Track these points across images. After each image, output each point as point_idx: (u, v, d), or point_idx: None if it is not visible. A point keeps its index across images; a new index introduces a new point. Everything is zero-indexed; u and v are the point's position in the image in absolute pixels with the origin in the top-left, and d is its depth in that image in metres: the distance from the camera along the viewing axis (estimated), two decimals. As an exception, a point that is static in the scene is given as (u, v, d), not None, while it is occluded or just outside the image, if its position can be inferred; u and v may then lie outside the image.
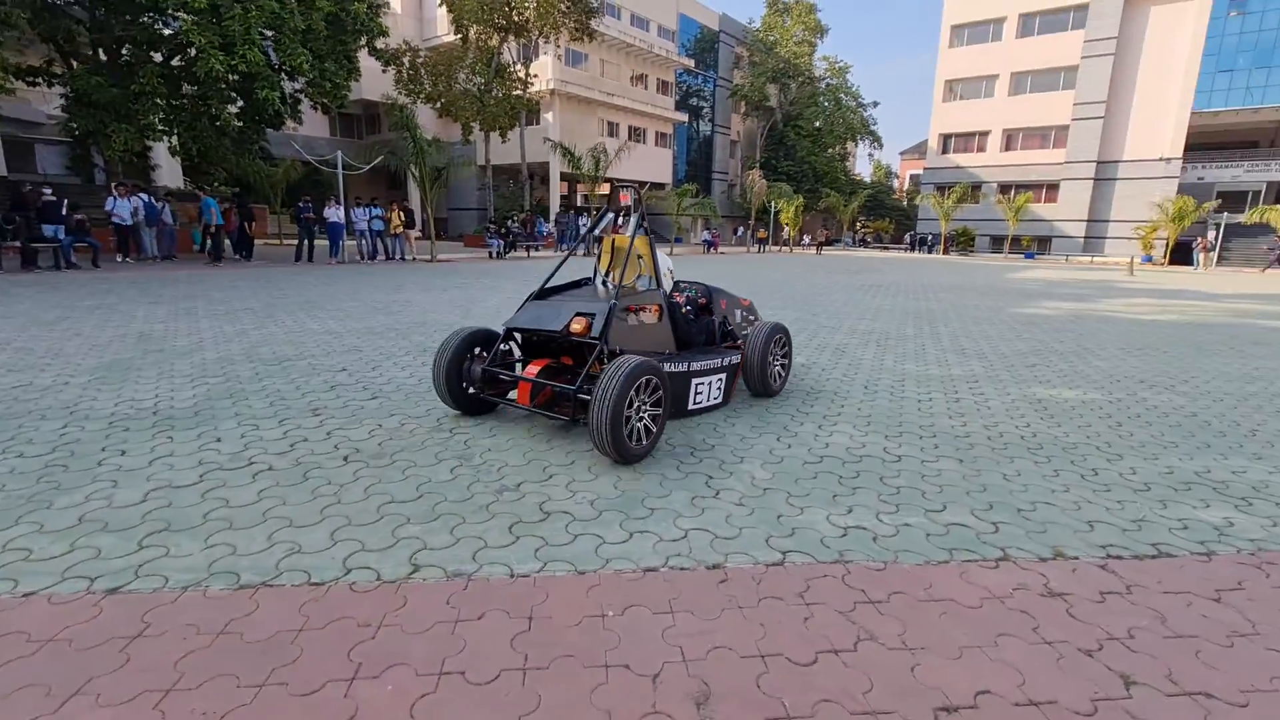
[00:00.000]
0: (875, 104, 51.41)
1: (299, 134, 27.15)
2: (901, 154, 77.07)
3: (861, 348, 6.81)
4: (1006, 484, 3.16)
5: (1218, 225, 32.44)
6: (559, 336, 3.64)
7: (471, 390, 3.83)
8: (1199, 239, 32.93)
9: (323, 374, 4.95)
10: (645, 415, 3.28)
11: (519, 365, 4.02)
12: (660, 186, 41.41)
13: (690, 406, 4.02)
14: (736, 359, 4.41)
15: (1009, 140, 40.38)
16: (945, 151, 42.76)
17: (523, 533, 2.52)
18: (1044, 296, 13.54)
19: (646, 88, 40.80)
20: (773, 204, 38.58)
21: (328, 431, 3.63)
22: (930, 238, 41.05)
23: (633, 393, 3.14)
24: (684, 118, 43.56)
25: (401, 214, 17.23)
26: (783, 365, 4.73)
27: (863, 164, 73.62)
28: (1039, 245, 38.75)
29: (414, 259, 17.99)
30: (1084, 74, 36.15)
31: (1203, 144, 36.49)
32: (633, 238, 4.09)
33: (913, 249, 41.88)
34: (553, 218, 30.04)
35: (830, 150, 49.66)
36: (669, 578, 2.23)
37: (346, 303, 9.07)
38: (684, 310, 4.57)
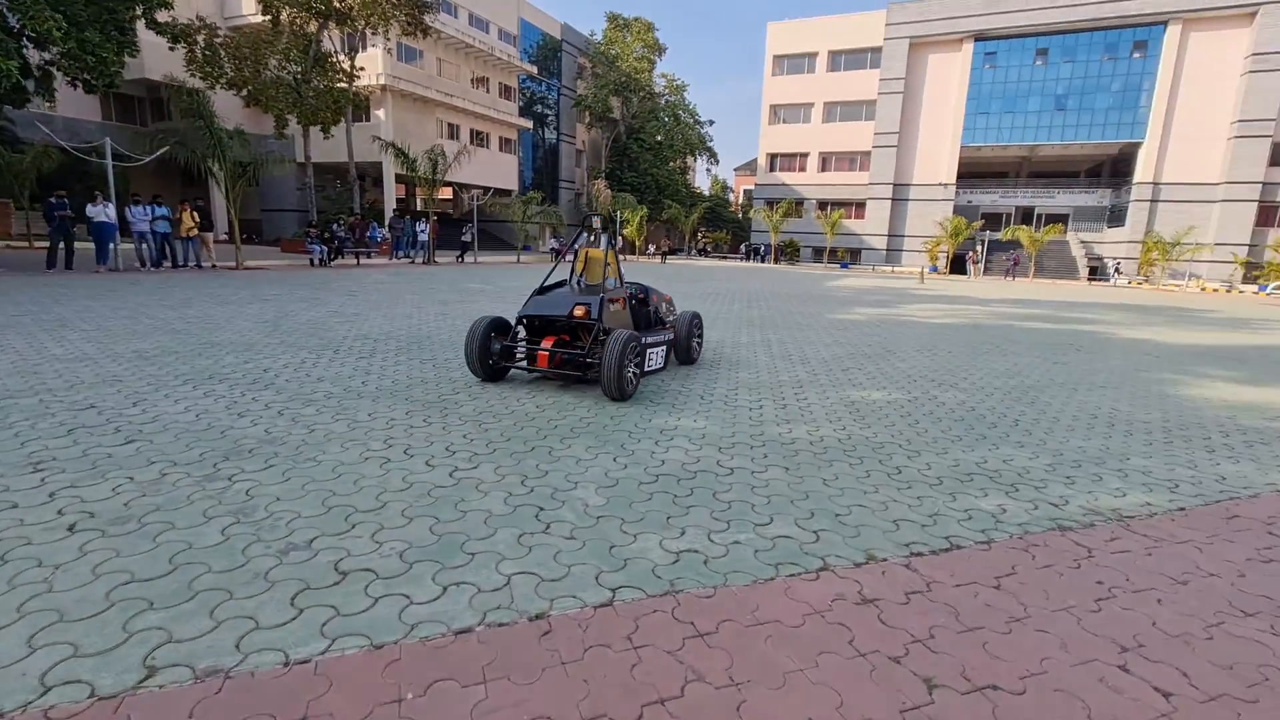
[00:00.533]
0: (711, 122, 54.90)
1: (58, 115, 22.56)
2: (736, 170, 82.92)
3: (698, 371, 7.01)
4: (826, 489, 3.32)
5: (983, 241, 38.86)
6: (563, 320, 5.18)
7: (492, 361, 5.17)
8: (970, 252, 39.19)
9: (60, 413, 3.97)
10: (631, 369, 4.81)
11: (523, 345, 5.41)
12: (506, 193, 40.45)
13: (645, 369, 5.27)
14: (671, 336, 6.06)
15: (825, 162, 45.09)
16: (773, 170, 46.66)
17: (309, 603, 2.11)
18: (855, 303, 15.14)
19: (489, 91, 39.69)
20: (619, 213, 39.37)
21: (51, 492, 2.86)
22: (763, 248, 44.48)
23: (624, 355, 4.66)
24: (529, 124, 43.02)
25: (194, 214, 14.87)
26: (698, 341, 6.60)
27: (702, 178, 78.03)
28: (852, 256, 43.67)
29: (213, 266, 15.62)
30: (881, 108, 41.48)
31: (970, 173, 43.56)
32: (607, 250, 5.60)
33: (747, 259, 45.07)
34: (387, 222, 27.96)
35: (671, 164, 51.94)
36: (485, 638, 1.98)
37: (111, 320, 7.53)
38: (633, 302, 6.03)
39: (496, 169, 40.20)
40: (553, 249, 32.34)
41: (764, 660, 1.93)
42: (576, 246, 6.04)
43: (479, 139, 38.59)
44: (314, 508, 2.81)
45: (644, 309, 6.27)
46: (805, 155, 45.38)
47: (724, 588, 2.33)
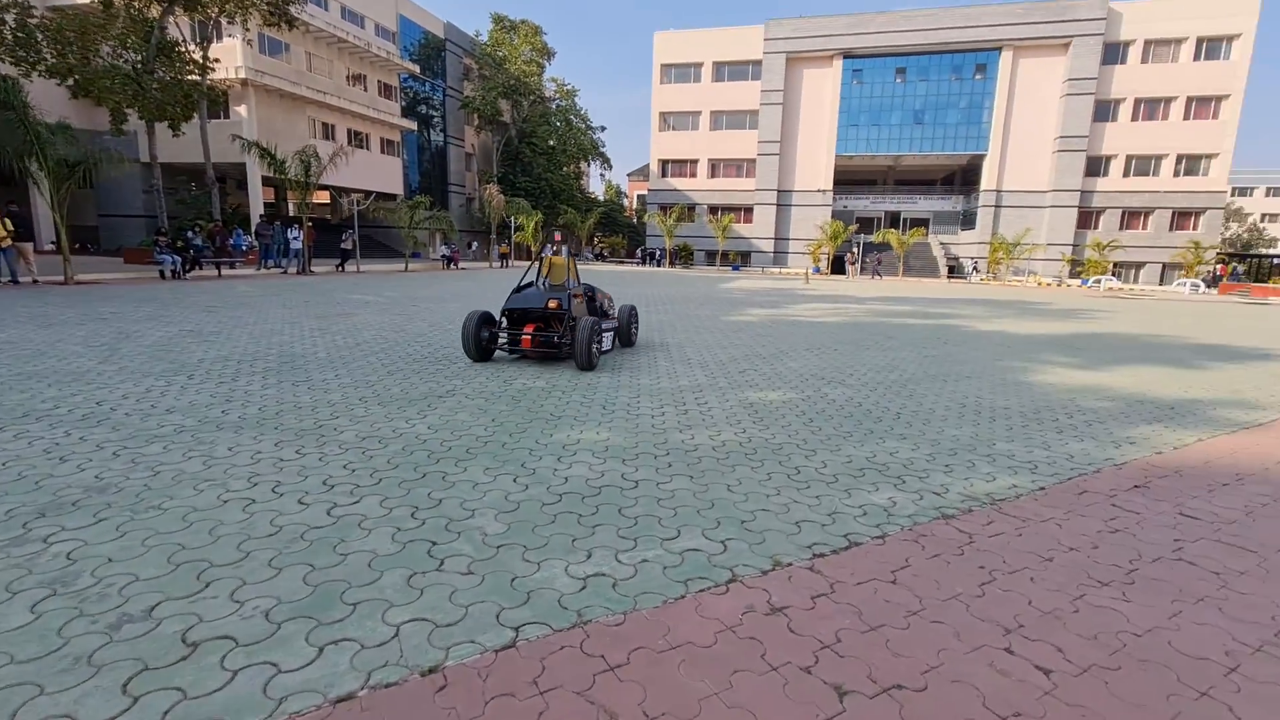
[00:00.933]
0: (603, 128, 55.19)
1: None
2: (629, 175, 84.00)
3: (599, 366, 6.91)
4: (730, 496, 3.33)
5: (858, 244, 41.85)
6: (540, 311, 6.68)
7: (486, 344, 6.61)
8: (849, 253, 42.08)
9: None
10: (595, 347, 6.35)
11: (504, 333, 6.81)
12: (390, 197, 38.37)
13: (600, 350, 6.67)
14: (616, 324, 7.74)
15: (714, 168, 46.72)
16: (665, 175, 47.66)
17: (147, 687, 1.78)
18: (747, 305, 15.73)
19: (367, 89, 37.47)
20: (513, 219, 38.57)
21: None
22: (658, 252, 45.28)
23: (591, 336, 6.19)
24: (413, 125, 41.08)
25: (5, 221, 12.76)
26: (635, 327, 8.14)
27: (596, 183, 78.34)
28: (742, 259, 45.53)
29: (34, 281, 13.48)
30: (763, 118, 43.62)
31: (845, 180, 46.84)
32: (568, 258, 7.24)
33: (643, 263, 45.72)
34: (254, 228, 25.57)
35: (565, 169, 51.64)
36: (371, 703, 1.75)
37: (-108, 350, 6.23)
38: (581, 292, 7.23)
39: (379, 172, 38.03)
40: (444, 256, 31.01)
41: (678, 688, 1.85)
42: (543, 255, 7.58)
43: (358, 140, 36.32)
44: (157, 567, 2.41)
45: (593, 304, 7.59)
46: (695, 162, 46.77)
47: (634, 613, 2.24)
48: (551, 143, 49.20)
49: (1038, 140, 40.13)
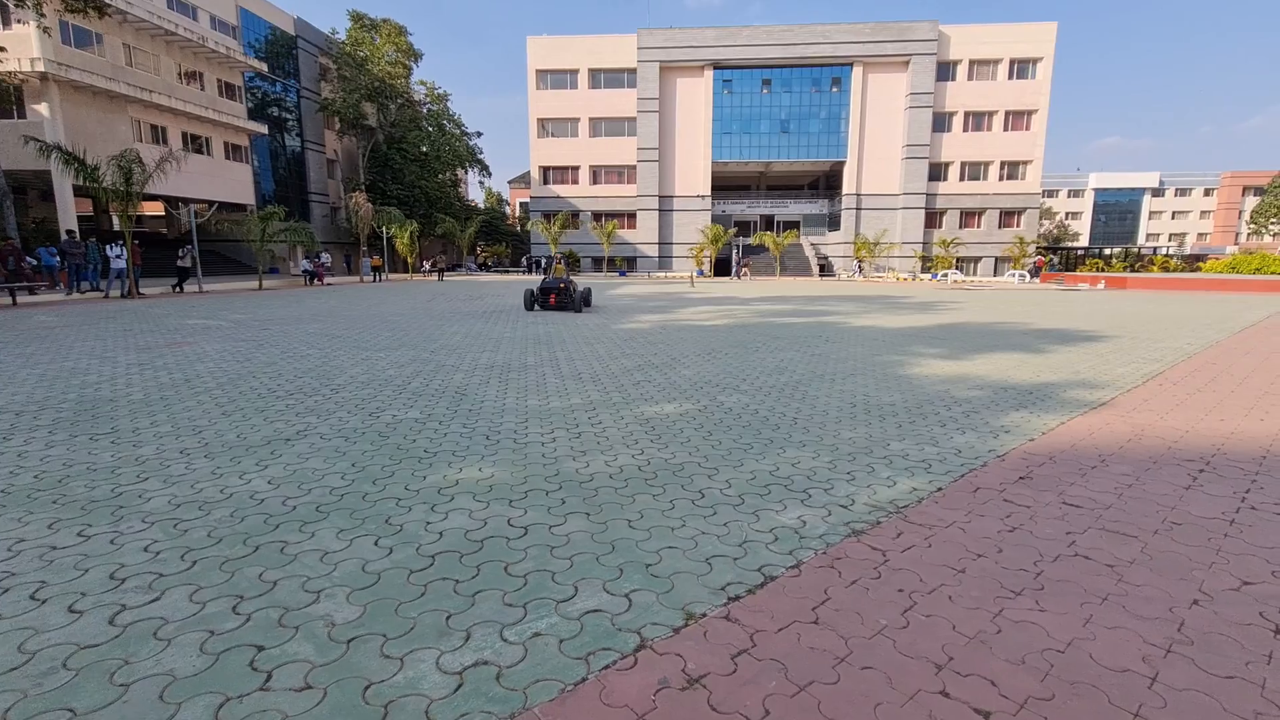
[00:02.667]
0: (479, 134, 53.28)
1: None
2: (510, 183, 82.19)
3: (483, 386, 6.35)
4: (632, 534, 2.98)
5: (738, 247, 43.55)
6: (556, 286, 15.01)
7: (533, 303, 15.21)
8: (736, 256, 43.63)
9: None
10: (580, 301, 14.86)
11: (539, 301, 15.24)
12: (240, 208, 34.60)
13: (585, 303, 15.07)
14: (583, 292, 15.07)
15: (595, 175, 46.71)
16: (546, 182, 46.97)
17: None
18: (637, 311, 15.61)
19: (205, 88, 33.58)
20: (385, 229, 36.17)
21: None
22: (544, 260, 44.48)
23: (580, 296, 14.85)
24: (263, 129, 37.35)
25: None
26: (589, 298, 15.12)
27: (475, 191, 75.86)
28: (628, 264, 45.87)
29: None
30: (640, 125, 44.24)
31: (722, 185, 48.68)
32: (565, 267, 21.85)
33: (529, 272, 44.74)
34: (61, 246, 21.88)
35: (441, 176, 49.39)
36: None
37: None
38: (570, 281, 15.54)
39: (225, 180, 34.17)
40: (305, 271, 28.31)
41: (582, 824, 1.45)
42: (551, 265, 17.59)
43: (196, 144, 32.42)
44: None
45: (572, 284, 15.21)
46: (576, 168, 46.52)
47: (524, 713, 1.81)
48: (424, 149, 46.82)
49: (888, 148, 43.95)
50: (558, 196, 46.55)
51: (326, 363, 7.58)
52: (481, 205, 66.51)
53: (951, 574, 2.64)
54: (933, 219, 44.87)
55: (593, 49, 44.94)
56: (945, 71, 43.01)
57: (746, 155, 45.18)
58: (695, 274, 39.85)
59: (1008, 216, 45.16)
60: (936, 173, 44.25)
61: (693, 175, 45.17)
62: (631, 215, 46.02)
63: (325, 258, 30.66)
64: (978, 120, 43.86)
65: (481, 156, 52.34)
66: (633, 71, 44.34)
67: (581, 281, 25.18)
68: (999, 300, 20.81)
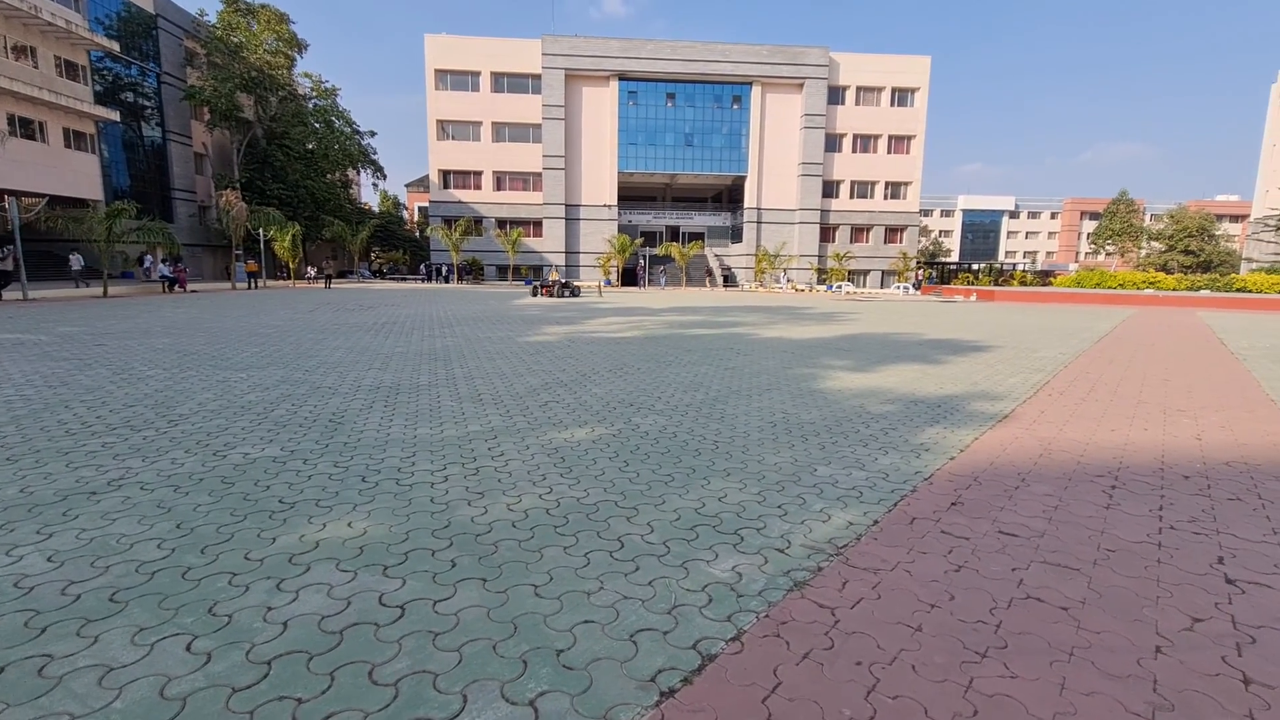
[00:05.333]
0: (373, 133, 50.16)
1: None
2: (408, 186, 78.36)
3: (365, 412, 5.52)
4: (539, 607, 2.43)
5: (645, 256, 43.73)
6: (554, 283, 27.25)
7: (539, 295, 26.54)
8: (640, 265, 43.68)
9: None
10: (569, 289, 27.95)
11: (538, 290, 27.06)
12: (83, 204, 30.27)
13: (572, 291, 28.29)
14: (572, 285, 29.55)
15: (499, 181, 45.31)
16: (447, 186, 44.98)
17: None
18: (544, 322, 14.94)
19: (38, 65, 29.14)
20: (262, 232, 33.01)
21: None
22: (444, 268, 42.49)
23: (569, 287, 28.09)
24: (114, 115, 32.97)
25: None
26: (572, 285, 30.08)
27: (369, 194, 71.61)
28: (535, 273, 44.79)
29: None
30: (546, 132, 43.46)
31: (628, 195, 48.76)
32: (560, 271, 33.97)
33: (429, 279, 42.57)
34: None
35: (330, 176, 46.00)
36: None
37: None
38: (562, 278, 29.61)
39: (64, 171, 29.80)
40: (164, 277, 25.10)
41: None
42: (548, 271, 30.37)
43: (26, 128, 28.05)
44: None
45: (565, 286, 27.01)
46: (479, 173, 44.93)
47: None
48: (310, 146, 43.35)
49: (786, 165, 45.93)
50: (459, 201, 44.68)
51: (170, 386, 6.39)
52: (376, 209, 62.80)
53: (908, 634, 2.31)
54: (827, 233, 47.33)
55: (495, 52, 43.67)
56: (836, 95, 45.62)
57: (652, 167, 45.57)
58: (603, 283, 39.54)
59: (892, 233, 48.50)
60: (830, 190, 46.75)
61: (599, 184, 44.94)
62: (537, 223, 45.03)
63: (152, 261, 27.32)
64: (865, 142, 46.85)
65: (375, 157, 49.34)
66: (537, 77, 43.53)
67: (489, 290, 24.06)
68: (890, 311, 22.00)
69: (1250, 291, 32.94)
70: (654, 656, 2.13)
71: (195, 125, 41.28)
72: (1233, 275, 41.17)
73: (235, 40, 40.55)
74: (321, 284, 34.71)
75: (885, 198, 47.69)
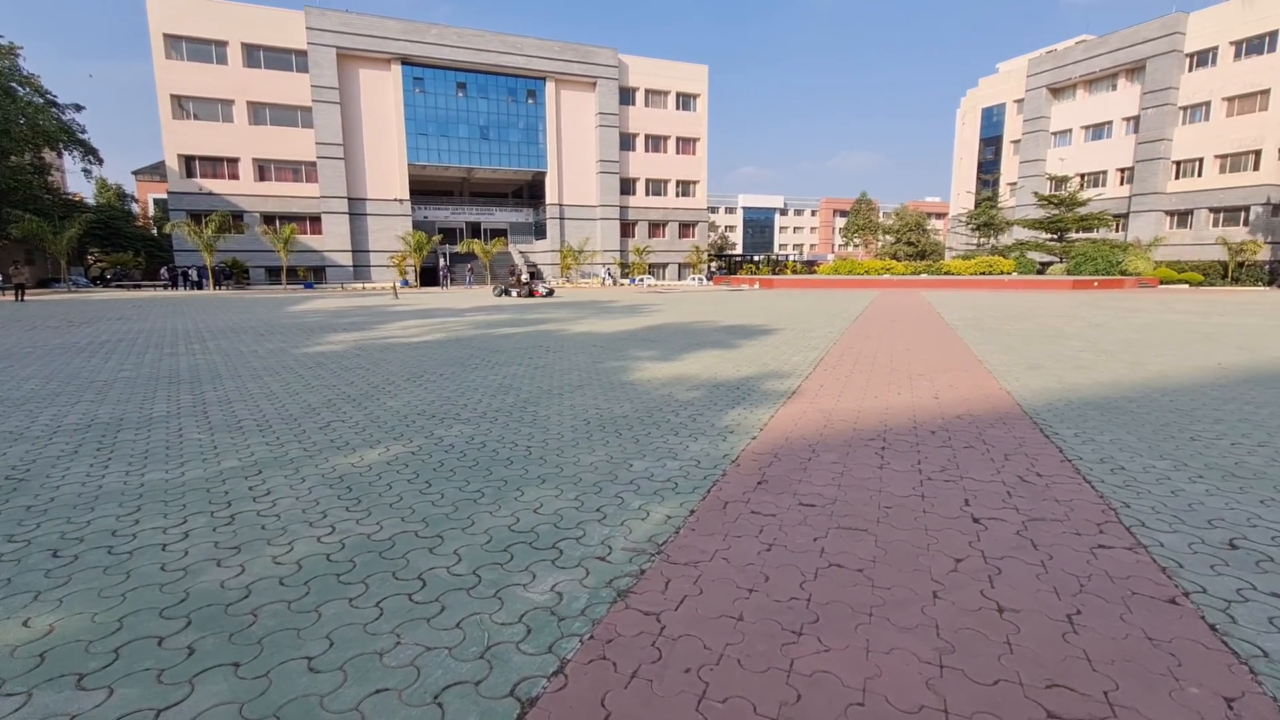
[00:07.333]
0: (78, 107, 40.07)
1: None
2: (137, 174, 64.70)
3: (65, 460, 4.24)
4: (313, 683, 1.95)
5: (445, 254, 41.42)
6: (523, 285, 26.92)
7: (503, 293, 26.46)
8: (441, 264, 41.22)
9: None
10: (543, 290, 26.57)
11: (514, 290, 26.52)
12: None
13: (545, 290, 26.99)
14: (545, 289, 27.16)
15: (263, 171, 39.43)
16: (191, 175, 37.98)
17: None
18: (327, 330, 13.25)
19: None
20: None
21: None
22: (194, 271, 35.94)
23: (543, 287, 26.89)
24: None
25: None
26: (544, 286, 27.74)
27: (79, 182, 57.61)
28: (315, 275, 39.92)
29: None
30: (319, 117, 38.76)
31: (422, 190, 45.67)
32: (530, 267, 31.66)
33: (174, 286, 35.68)
34: None
35: (15, 159, 36.02)
36: None
37: None
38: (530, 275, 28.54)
39: None
40: None
41: None
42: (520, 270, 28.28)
43: None
44: None
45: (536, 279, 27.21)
46: (236, 161, 38.62)
47: None
48: (-20, 119, 33.38)
49: (584, 162, 46.67)
50: (210, 193, 37.91)
51: None
52: (92, 201, 50.89)
53: (731, 625, 2.28)
54: (627, 229, 49.18)
55: (246, 20, 37.65)
56: (627, 96, 47.42)
57: (446, 159, 43.18)
58: (399, 284, 36.57)
59: (685, 228, 52.03)
60: (627, 187, 48.58)
61: (388, 177, 41.36)
62: (316, 219, 40.05)
63: None
64: (656, 143, 49.47)
65: (85, 136, 39.68)
66: (303, 54, 38.53)
67: (256, 296, 20.50)
68: (688, 301, 23.49)
69: (954, 274, 41.31)
70: (465, 718, 1.81)
71: None
72: (942, 262, 51.33)
73: None
74: (12, 296, 27.02)
75: (677, 195, 50.91)
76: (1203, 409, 5.67)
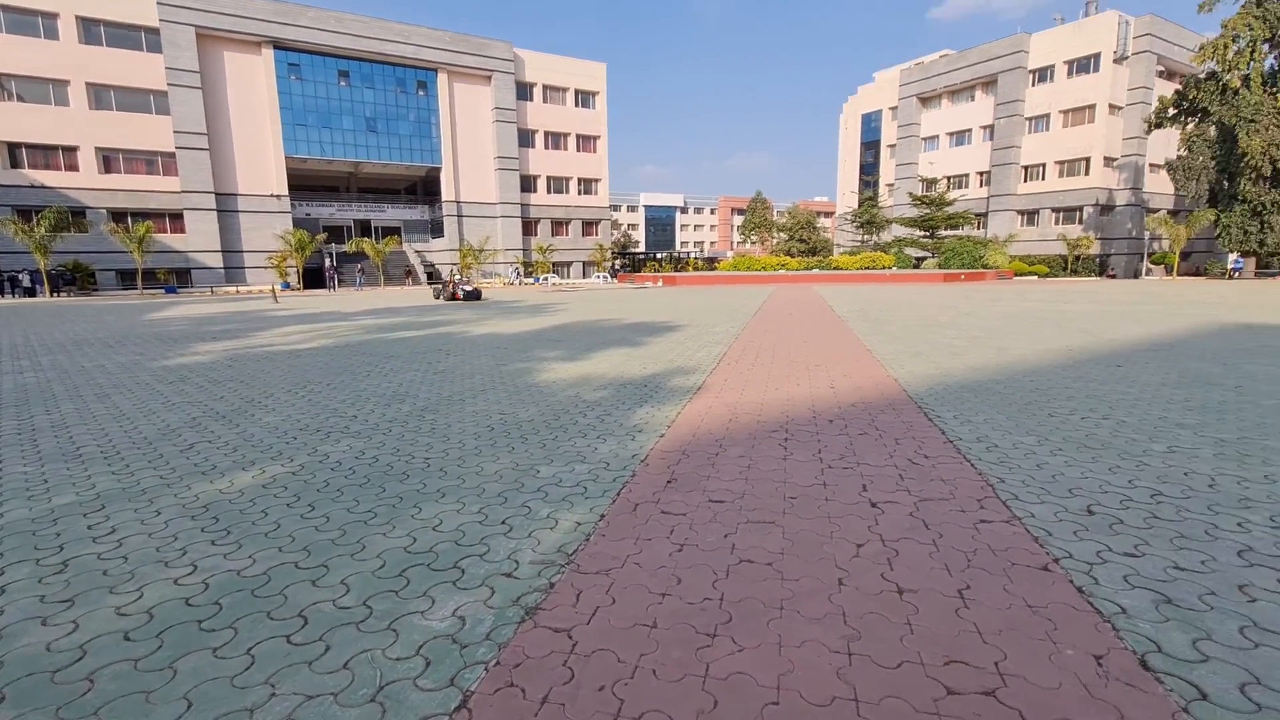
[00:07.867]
0: None
1: None
2: (-55, 162, 55.28)
3: None
4: (165, 759, 1.66)
5: (331, 254, 38.74)
6: (461, 291, 24.25)
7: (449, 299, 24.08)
8: (327, 265, 38.51)
9: None
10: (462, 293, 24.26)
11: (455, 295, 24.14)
12: None
13: (476, 295, 24.42)
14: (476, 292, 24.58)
15: (109, 161, 35.04)
16: (17, 165, 33.06)
17: None
18: (193, 339, 11.93)
19: None
20: None
21: None
22: (28, 276, 31.37)
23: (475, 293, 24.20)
24: None
25: None
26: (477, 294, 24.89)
27: None
28: (179, 278, 36.08)
29: None
30: (177, 103, 34.97)
31: (303, 185, 42.41)
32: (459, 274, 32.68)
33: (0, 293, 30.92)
34: None
35: None
36: None
37: None
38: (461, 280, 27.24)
39: None
40: None
41: None
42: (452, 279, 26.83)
43: None
44: None
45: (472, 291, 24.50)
46: (73, 149, 34.05)
47: None
48: None
49: (482, 158, 45.28)
50: (42, 186, 33.15)
51: None
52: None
53: (645, 634, 2.21)
54: (529, 227, 48.29)
55: (79, -11, 33.21)
56: (524, 92, 46.49)
57: (329, 153, 40.35)
58: (279, 287, 33.75)
59: (588, 226, 51.87)
60: (528, 184, 47.68)
61: (261, 170, 38.01)
62: (177, 216, 36.11)
63: None
64: (556, 140, 48.91)
65: None
66: (154, 32, 34.55)
67: (106, 303, 18.11)
68: (593, 299, 23.40)
69: (842, 269, 44.04)
70: (351, 775, 1.61)
71: None
72: (831, 258, 54.57)
73: None
74: None
75: (579, 193, 50.63)
76: (1056, 387, 6.32)
